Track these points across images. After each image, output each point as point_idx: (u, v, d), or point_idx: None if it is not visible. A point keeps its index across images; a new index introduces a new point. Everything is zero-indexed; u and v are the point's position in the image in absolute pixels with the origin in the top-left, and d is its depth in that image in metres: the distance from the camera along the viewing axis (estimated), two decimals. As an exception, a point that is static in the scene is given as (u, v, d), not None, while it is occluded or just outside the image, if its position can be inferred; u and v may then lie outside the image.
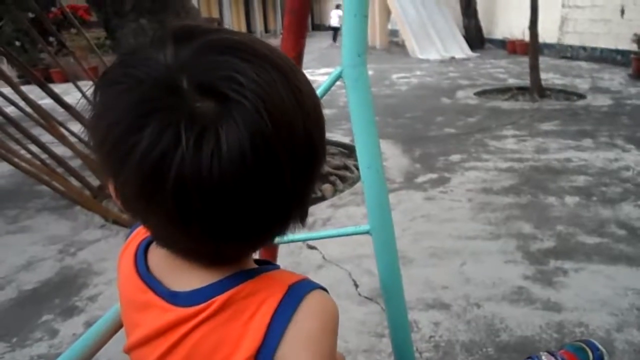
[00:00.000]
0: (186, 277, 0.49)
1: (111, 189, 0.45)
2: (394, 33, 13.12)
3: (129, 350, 0.54)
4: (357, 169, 3.83)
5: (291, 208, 0.44)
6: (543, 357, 1.49)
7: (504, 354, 1.68)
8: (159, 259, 0.52)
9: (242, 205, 0.40)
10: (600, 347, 1.54)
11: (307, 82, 0.45)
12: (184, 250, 0.48)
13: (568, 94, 6.13)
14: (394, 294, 0.83)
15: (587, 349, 1.54)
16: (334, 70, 0.71)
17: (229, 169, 0.38)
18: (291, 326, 0.45)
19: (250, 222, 0.42)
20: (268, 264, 0.54)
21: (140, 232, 0.59)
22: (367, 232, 0.78)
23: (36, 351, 1.87)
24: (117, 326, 0.72)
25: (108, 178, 0.44)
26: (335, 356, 0.48)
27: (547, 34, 8.88)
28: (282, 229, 0.46)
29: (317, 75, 8.26)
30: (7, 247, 2.80)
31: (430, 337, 1.79)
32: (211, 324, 0.46)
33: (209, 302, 0.46)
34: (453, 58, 10.25)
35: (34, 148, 3.11)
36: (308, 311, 0.45)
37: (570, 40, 9.28)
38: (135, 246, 0.57)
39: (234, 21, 17.35)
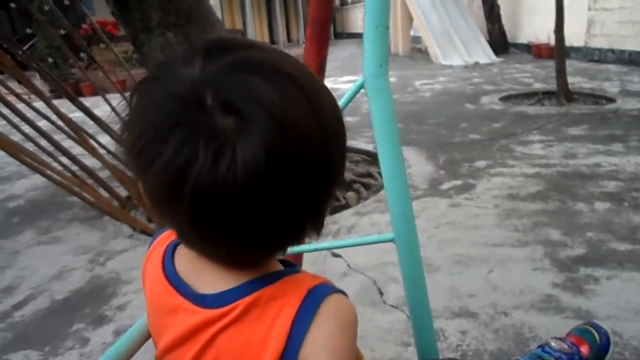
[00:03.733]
0: (212, 279, 0.51)
1: (140, 188, 0.48)
2: (417, 39, 13.06)
3: (160, 356, 0.56)
4: (381, 176, 3.81)
5: (304, 221, 0.47)
6: (552, 343, 1.47)
7: (533, 363, 1.65)
8: (187, 262, 0.54)
9: (254, 216, 0.42)
10: (603, 326, 1.55)
11: (330, 102, 0.47)
12: (201, 251, 0.51)
13: (596, 97, 5.99)
14: (419, 303, 0.83)
15: (592, 330, 1.54)
16: (356, 80, 0.72)
17: (242, 184, 0.40)
18: (312, 329, 0.46)
19: (261, 233, 0.44)
20: (292, 265, 0.55)
21: (164, 238, 0.61)
22: (391, 240, 0.78)
23: (68, 359, 1.92)
24: (147, 335, 0.74)
25: (137, 178, 0.47)
26: (354, 358, 0.49)
27: (574, 37, 8.71)
28: (294, 240, 0.49)
29: (340, 83, 8.28)
30: (40, 257, 2.88)
31: (458, 346, 1.77)
32: (237, 326, 0.48)
33: (234, 304, 0.48)
34: (477, 63, 10.14)
35: (65, 160, 3.20)
36: (327, 314, 0.47)
37: (598, 43, 9.07)
38: (162, 250, 0.59)
39: (257, 32, 17.54)
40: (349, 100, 0.72)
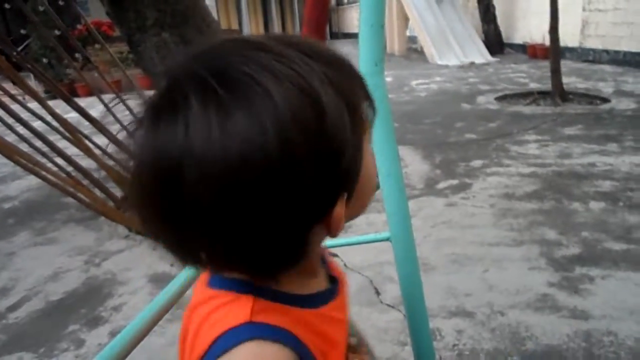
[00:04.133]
0: None
1: None
2: (413, 39, 13.08)
3: None
4: (377, 175, 3.81)
5: (231, 251, 0.40)
6: None
7: (529, 363, 1.65)
8: None
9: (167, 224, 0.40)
10: None
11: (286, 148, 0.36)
12: None
13: (591, 97, 6.02)
14: (415, 302, 0.83)
15: None
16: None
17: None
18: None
19: (177, 245, 0.42)
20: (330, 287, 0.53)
21: None
22: (387, 239, 0.78)
23: (63, 360, 1.91)
24: (142, 335, 0.73)
25: None
26: None
27: (568, 37, 8.76)
28: (232, 264, 0.43)
29: (336, 84, 8.28)
30: (35, 258, 2.86)
31: (454, 345, 1.77)
32: (197, 311, 0.47)
33: (207, 290, 0.47)
34: (472, 63, 10.17)
35: (59, 161, 3.19)
36: (237, 356, 0.41)
37: (592, 43, 9.12)
38: None
39: (252, 32, 17.53)
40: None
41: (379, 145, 0.73)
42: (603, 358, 1.64)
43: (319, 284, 0.52)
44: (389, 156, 0.73)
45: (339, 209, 0.41)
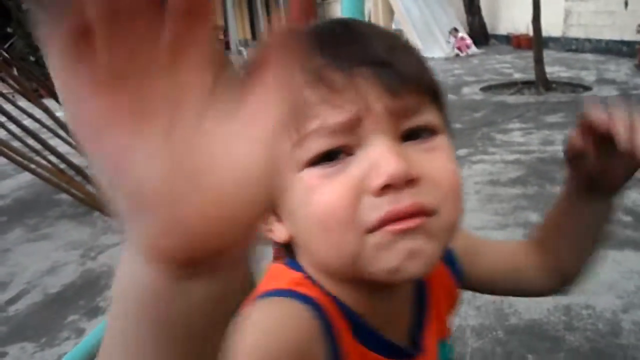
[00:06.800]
0: None
1: None
2: (398, 32, 13.18)
3: None
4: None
5: None
6: None
7: (513, 336, 1.74)
8: None
9: None
10: None
11: None
12: None
13: (574, 86, 6.14)
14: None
15: None
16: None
17: None
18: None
19: None
20: None
21: None
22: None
23: (65, 349, 1.96)
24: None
25: None
26: None
27: (551, 27, 8.88)
28: None
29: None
30: (30, 254, 2.90)
31: (441, 323, 1.85)
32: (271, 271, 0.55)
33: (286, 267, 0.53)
34: (458, 55, 10.28)
35: (52, 159, 3.21)
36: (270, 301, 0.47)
37: (575, 32, 9.27)
38: None
39: (238, 27, 17.48)
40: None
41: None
42: (582, 329, 1.73)
43: (392, 333, 0.50)
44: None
45: None
